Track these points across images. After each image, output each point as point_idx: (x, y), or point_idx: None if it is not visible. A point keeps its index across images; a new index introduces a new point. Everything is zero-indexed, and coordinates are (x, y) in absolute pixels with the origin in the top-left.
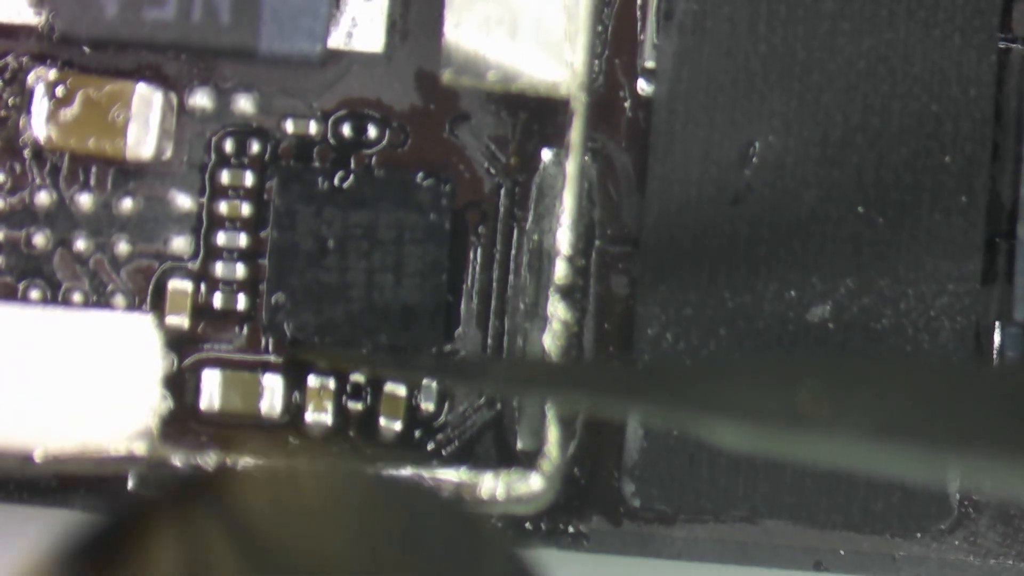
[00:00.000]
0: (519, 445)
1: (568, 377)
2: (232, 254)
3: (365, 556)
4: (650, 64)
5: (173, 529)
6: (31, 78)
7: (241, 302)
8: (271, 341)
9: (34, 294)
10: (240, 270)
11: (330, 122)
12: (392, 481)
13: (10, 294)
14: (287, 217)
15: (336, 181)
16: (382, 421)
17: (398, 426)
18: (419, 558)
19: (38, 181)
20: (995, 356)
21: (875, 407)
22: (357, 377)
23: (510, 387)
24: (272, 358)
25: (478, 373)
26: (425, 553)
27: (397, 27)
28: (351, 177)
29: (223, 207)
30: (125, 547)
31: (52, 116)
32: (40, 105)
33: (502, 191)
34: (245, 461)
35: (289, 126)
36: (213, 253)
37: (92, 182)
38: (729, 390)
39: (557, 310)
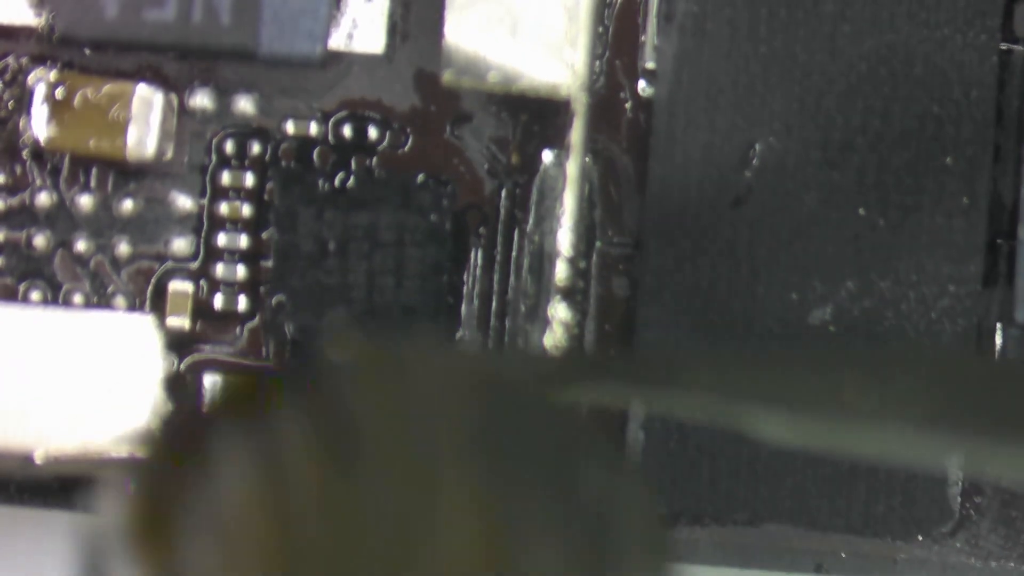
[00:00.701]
0: None
1: (605, 365)
2: (233, 255)
3: (462, 450)
4: (651, 65)
5: (255, 424)
6: (31, 79)
7: (242, 304)
8: (272, 343)
9: (35, 295)
10: (241, 271)
11: (331, 123)
12: (490, 372)
13: (11, 295)
14: (288, 218)
15: (337, 182)
16: None
17: None
18: (520, 449)
19: (38, 182)
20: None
21: (924, 396)
22: None
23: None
24: (272, 362)
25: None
26: (527, 445)
27: (398, 28)
28: (352, 178)
29: (224, 208)
30: (200, 442)
31: (52, 117)
32: (40, 106)
33: (503, 193)
34: (333, 351)
35: (290, 127)
36: (214, 254)
37: (92, 183)
38: (772, 382)
39: (558, 312)
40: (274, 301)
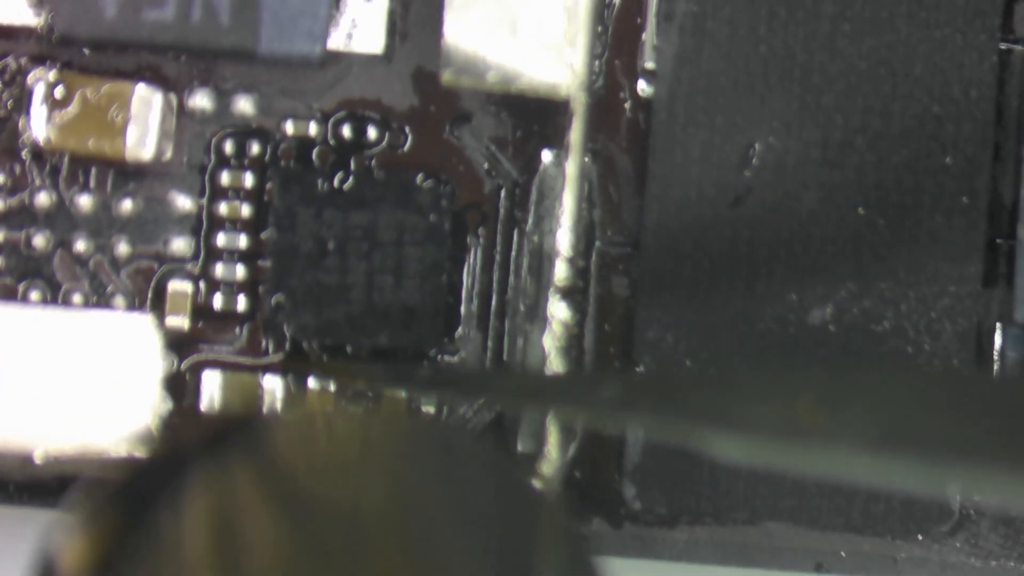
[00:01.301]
0: (519, 447)
1: (566, 390)
2: (232, 255)
3: (404, 504)
4: (650, 65)
5: (204, 477)
6: (31, 79)
7: (241, 303)
8: (271, 343)
9: (34, 295)
10: (240, 271)
11: (330, 123)
12: (430, 427)
13: (10, 295)
14: (287, 218)
15: (336, 182)
16: None
17: None
18: (458, 503)
19: (38, 182)
20: (996, 358)
21: (876, 416)
22: None
23: (507, 400)
24: (272, 360)
25: (475, 388)
26: (464, 499)
27: (397, 28)
28: (351, 178)
29: (223, 208)
30: (152, 499)
31: (52, 117)
32: (40, 106)
33: (502, 192)
34: (278, 409)
35: (289, 127)
36: (213, 254)
37: (92, 183)
38: (728, 401)
39: (557, 311)
40: (273, 301)
